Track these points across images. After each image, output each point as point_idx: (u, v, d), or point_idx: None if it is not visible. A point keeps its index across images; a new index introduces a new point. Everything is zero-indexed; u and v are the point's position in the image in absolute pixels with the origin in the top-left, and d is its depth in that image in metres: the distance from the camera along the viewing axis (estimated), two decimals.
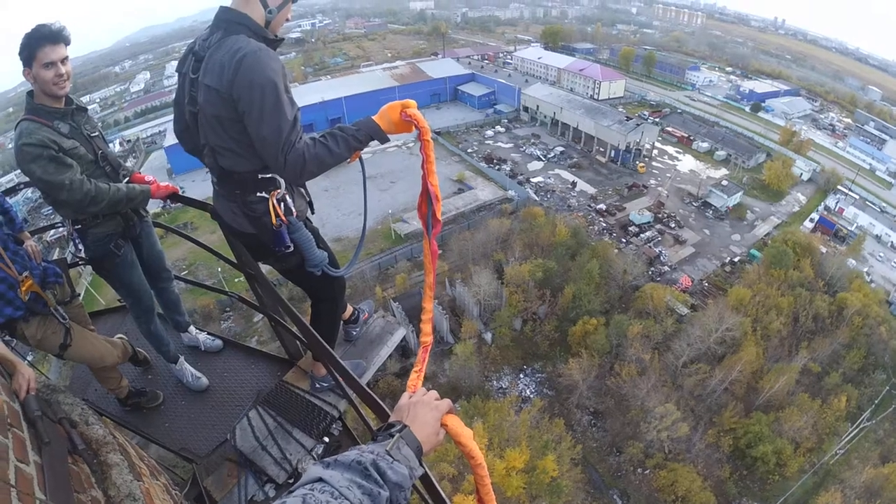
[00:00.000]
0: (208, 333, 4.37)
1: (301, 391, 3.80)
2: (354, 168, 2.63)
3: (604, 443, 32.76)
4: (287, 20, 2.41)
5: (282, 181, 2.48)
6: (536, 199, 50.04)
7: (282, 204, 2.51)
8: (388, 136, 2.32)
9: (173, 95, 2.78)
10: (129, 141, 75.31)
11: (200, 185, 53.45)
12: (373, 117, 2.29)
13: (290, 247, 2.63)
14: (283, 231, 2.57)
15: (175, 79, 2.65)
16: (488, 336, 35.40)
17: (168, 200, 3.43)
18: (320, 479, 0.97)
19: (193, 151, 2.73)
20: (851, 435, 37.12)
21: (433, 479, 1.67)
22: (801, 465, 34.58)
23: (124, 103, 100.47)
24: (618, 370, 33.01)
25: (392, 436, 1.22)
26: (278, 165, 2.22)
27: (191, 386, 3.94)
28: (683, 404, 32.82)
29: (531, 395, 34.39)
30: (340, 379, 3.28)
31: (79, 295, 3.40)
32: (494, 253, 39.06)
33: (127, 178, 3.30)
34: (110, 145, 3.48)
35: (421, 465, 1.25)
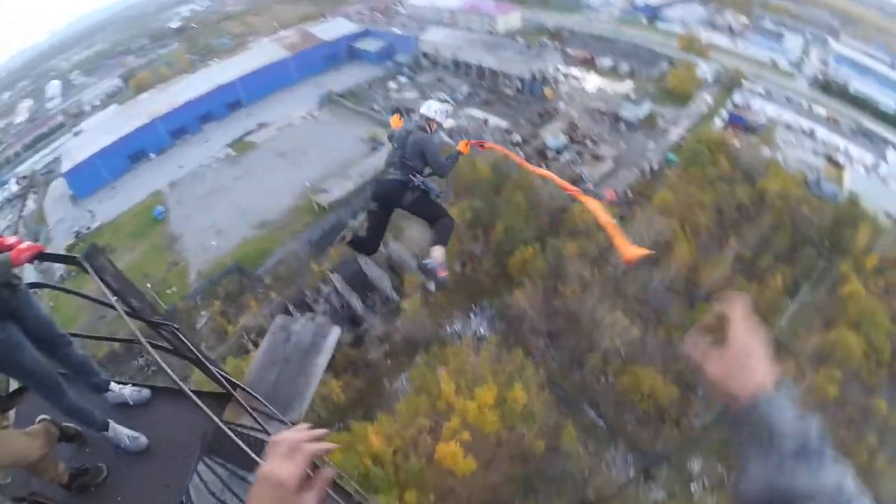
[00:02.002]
0: (133, 384, 4.10)
1: (243, 428, 3.61)
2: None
3: (564, 361, 34.23)
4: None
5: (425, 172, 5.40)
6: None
7: (424, 182, 5.30)
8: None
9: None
10: (24, 177, 68.56)
11: (107, 204, 50.34)
12: (458, 148, 5.66)
13: (427, 190, 5.28)
14: (428, 183, 5.33)
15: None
16: (431, 285, 35.60)
17: (36, 261, 3.10)
18: None
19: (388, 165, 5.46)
20: (793, 308, 40.51)
21: None
22: None
23: (10, 139, 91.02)
24: (562, 290, 34.27)
25: None
26: (440, 171, 5.40)
27: (130, 449, 3.66)
28: (630, 310, 34.64)
29: (485, 333, 35.34)
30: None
31: None
32: None
33: None
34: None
35: None
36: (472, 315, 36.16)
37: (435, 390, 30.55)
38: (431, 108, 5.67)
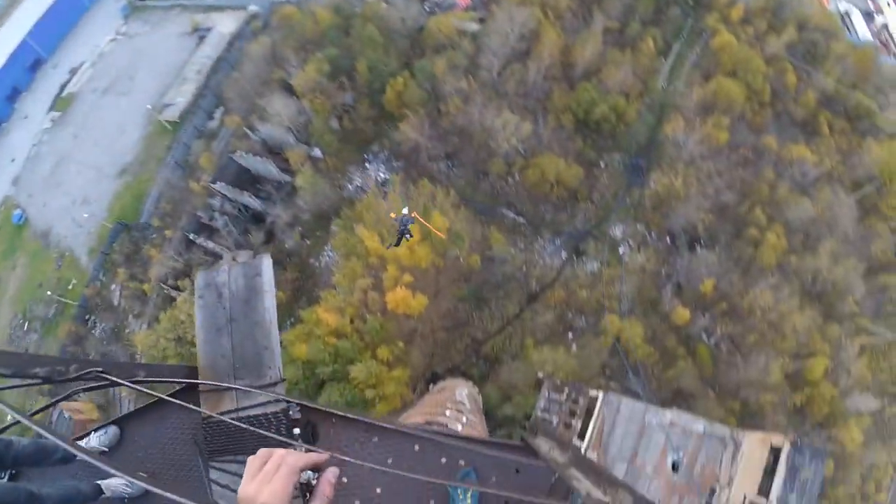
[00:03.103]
0: (94, 431, 3.80)
1: (228, 417, 3.26)
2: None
3: (469, 176, 35.26)
4: None
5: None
6: None
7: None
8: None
9: None
10: None
11: None
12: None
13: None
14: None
15: None
16: (317, 152, 34.85)
17: None
18: None
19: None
20: (669, 67, 42.26)
21: None
22: (638, 109, 39.37)
23: None
24: (445, 110, 34.26)
25: None
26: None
27: (134, 496, 3.42)
28: (515, 107, 35.34)
29: (386, 176, 35.50)
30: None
31: None
32: (271, 75, 36.85)
33: None
34: None
35: None
36: (367, 165, 35.89)
37: (362, 250, 31.09)
38: (404, 210, 14.25)
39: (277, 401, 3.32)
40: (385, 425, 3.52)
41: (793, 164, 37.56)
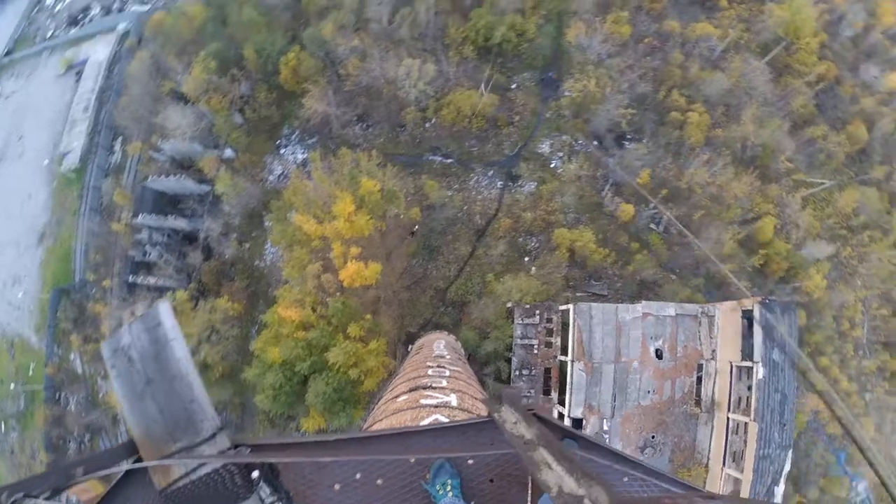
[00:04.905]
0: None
1: (182, 482, 3.14)
2: None
3: (387, 132, 35.46)
4: None
5: None
6: (147, 5, 44.66)
7: None
8: None
9: None
10: None
11: None
12: None
13: None
14: None
15: None
16: (228, 152, 34.45)
17: None
18: None
19: None
20: None
21: None
22: (536, 23, 39.59)
23: None
24: (344, 73, 34.13)
25: None
26: None
27: None
28: (415, 51, 35.39)
29: (305, 155, 35.35)
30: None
31: None
32: (160, 89, 35.99)
33: None
34: None
35: None
36: (281, 151, 35.66)
37: (301, 236, 31.06)
38: None
39: (220, 455, 3.21)
40: (341, 438, 3.45)
41: (698, 41, 38.52)
